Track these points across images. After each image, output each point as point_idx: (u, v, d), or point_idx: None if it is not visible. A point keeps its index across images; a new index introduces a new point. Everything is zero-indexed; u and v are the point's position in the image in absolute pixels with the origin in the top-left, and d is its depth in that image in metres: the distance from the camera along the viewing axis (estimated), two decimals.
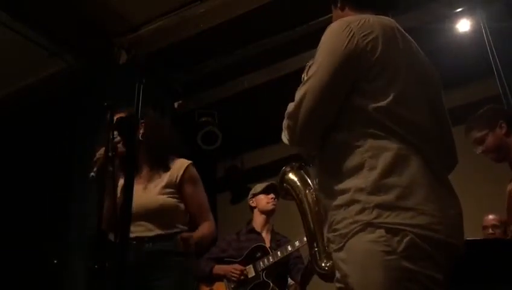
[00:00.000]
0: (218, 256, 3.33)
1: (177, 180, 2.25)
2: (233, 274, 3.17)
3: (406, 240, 1.25)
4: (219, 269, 3.26)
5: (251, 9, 3.75)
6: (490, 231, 3.52)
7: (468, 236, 1.79)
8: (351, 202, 1.34)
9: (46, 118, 4.31)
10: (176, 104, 4.45)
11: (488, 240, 2.31)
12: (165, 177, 2.25)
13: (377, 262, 1.27)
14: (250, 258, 3.23)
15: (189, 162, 2.33)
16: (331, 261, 1.53)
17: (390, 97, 1.37)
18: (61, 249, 3.53)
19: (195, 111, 4.75)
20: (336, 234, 1.38)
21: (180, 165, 2.29)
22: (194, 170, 2.31)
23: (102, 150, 2.08)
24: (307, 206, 1.75)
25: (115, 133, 1.68)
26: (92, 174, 2.02)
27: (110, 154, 1.74)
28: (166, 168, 2.27)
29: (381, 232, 1.27)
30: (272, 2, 3.70)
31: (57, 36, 3.95)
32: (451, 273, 1.33)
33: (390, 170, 1.32)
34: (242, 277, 3.16)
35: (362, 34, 1.40)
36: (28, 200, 4.12)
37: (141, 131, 2.22)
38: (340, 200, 1.37)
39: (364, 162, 1.35)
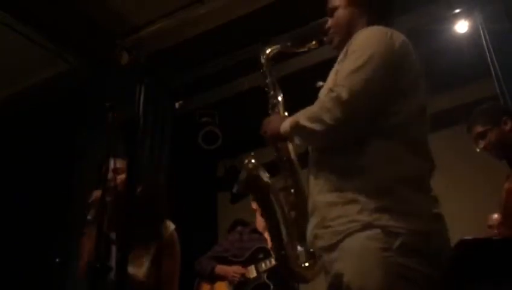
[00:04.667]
0: (221, 255, 3.35)
1: (160, 244, 2.26)
2: (234, 277, 3.19)
3: (400, 238, 1.31)
4: (221, 269, 3.27)
5: (251, 10, 3.78)
6: (495, 230, 3.52)
7: (468, 236, 1.83)
8: (350, 201, 1.37)
9: (47, 118, 4.33)
10: (176, 105, 4.48)
11: (484, 239, 2.33)
12: (152, 249, 2.25)
13: (375, 258, 1.31)
14: (253, 260, 3.25)
15: (174, 226, 2.35)
16: (311, 262, 1.59)
17: (413, 106, 1.46)
18: (63, 248, 3.55)
19: (195, 111, 4.78)
20: (327, 231, 1.42)
21: (165, 228, 2.31)
22: (176, 236, 2.34)
23: (97, 193, 2.05)
24: (277, 207, 1.74)
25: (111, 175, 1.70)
26: (89, 217, 2.05)
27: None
28: (155, 237, 2.27)
29: (377, 231, 1.32)
30: (272, 3, 3.73)
31: (59, 37, 3.97)
32: (446, 273, 1.38)
33: (391, 174, 1.38)
34: (243, 279, 3.19)
35: (399, 43, 1.49)
36: (30, 200, 4.14)
37: (139, 189, 2.15)
38: (337, 197, 1.41)
39: (367, 164, 1.40)
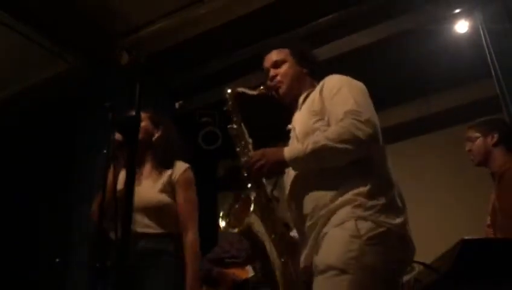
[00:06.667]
0: (219, 257, 3.34)
1: (174, 181, 2.30)
2: (233, 280, 3.20)
3: (380, 230, 1.52)
4: (218, 273, 3.27)
5: (251, 10, 3.78)
6: (491, 230, 3.52)
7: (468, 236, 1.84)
8: (347, 202, 1.59)
9: (47, 118, 4.34)
10: (176, 105, 4.48)
11: (484, 239, 2.33)
12: (165, 177, 2.31)
13: (342, 242, 1.52)
14: (251, 259, 3.25)
15: (188, 165, 2.38)
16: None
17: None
18: (63, 247, 3.55)
19: (195, 111, 4.78)
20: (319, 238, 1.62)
21: (179, 166, 2.35)
22: (190, 174, 2.37)
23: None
24: (273, 251, 1.81)
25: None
26: (105, 151, 2.09)
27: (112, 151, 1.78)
28: (168, 168, 2.34)
29: (352, 223, 1.53)
30: (272, 3, 3.73)
31: (59, 37, 3.97)
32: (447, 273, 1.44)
33: (382, 183, 1.63)
34: (241, 282, 3.19)
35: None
36: (30, 200, 4.15)
37: (157, 135, 2.38)
38: (335, 206, 1.61)
39: (361, 174, 1.62)
